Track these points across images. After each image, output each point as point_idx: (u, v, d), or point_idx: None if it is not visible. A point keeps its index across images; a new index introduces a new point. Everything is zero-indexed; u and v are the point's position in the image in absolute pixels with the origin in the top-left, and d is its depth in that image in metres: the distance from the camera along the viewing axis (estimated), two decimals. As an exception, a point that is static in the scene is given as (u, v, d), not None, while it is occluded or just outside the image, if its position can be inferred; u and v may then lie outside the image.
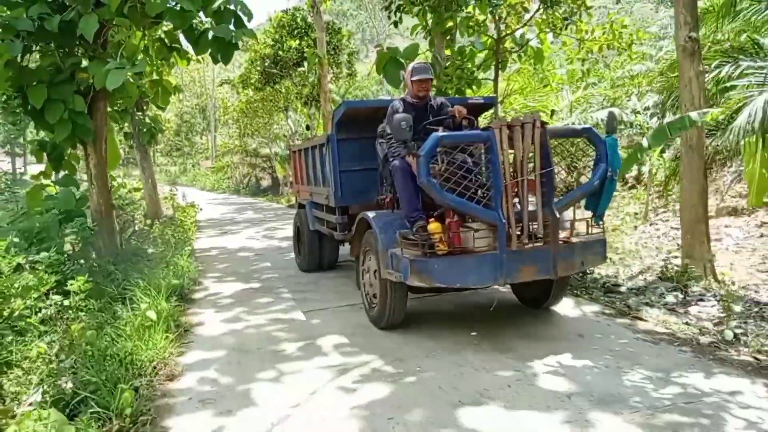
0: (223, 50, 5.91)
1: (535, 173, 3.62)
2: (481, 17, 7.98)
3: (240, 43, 6.12)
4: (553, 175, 3.71)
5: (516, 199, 3.68)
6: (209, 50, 5.94)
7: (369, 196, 5.09)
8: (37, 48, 5.98)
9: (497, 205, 3.54)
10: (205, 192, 29.19)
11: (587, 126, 3.99)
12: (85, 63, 6.13)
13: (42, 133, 7.12)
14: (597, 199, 3.96)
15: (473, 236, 3.63)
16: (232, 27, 5.99)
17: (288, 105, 19.17)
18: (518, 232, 3.64)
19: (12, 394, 2.58)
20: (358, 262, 4.58)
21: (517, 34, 8.38)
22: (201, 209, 14.58)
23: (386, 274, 3.84)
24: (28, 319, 3.24)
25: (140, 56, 6.25)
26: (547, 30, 7.74)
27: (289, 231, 11.18)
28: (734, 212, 8.83)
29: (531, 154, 3.62)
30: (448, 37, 8.48)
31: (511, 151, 3.61)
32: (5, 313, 3.19)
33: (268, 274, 6.95)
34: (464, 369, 3.48)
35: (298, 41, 16.55)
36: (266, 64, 16.88)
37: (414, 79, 4.38)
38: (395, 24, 7.86)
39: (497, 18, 7.30)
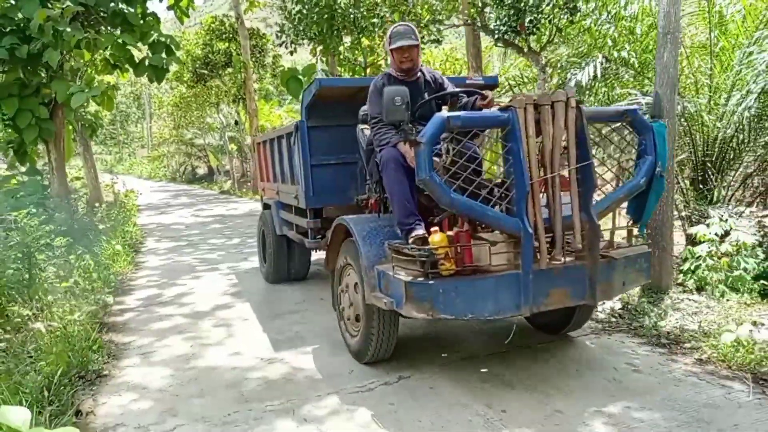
0: (157, 73, 8.32)
1: (570, 168, 2.85)
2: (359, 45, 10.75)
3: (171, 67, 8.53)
4: (592, 169, 2.91)
5: (544, 202, 2.90)
6: (146, 73, 8.34)
7: (347, 196, 4.39)
8: (5, 69, 8.06)
9: (521, 209, 2.74)
10: (142, 180, 30.57)
11: (631, 107, 3.24)
12: (46, 80, 8.30)
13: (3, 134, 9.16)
14: (642, 201, 3.21)
15: (489, 251, 2.81)
16: (164, 55, 8.41)
17: (219, 101, 21.23)
18: (547, 245, 2.87)
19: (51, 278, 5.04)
20: (334, 278, 3.75)
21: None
22: (141, 194, 16.60)
23: (372, 298, 3.05)
24: (46, 252, 5.60)
25: (95, 84, 8.48)
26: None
27: (215, 210, 13.61)
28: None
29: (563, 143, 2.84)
30: (339, 56, 11.21)
31: (538, 138, 2.83)
32: (37, 244, 5.56)
33: (194, 238, 9.47)
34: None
35: (226, 44, 18.67)
36: (197, 65, 18.93)
37: (393, 47, 3.37)
38: (291, 53, 10.43)
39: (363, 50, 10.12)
